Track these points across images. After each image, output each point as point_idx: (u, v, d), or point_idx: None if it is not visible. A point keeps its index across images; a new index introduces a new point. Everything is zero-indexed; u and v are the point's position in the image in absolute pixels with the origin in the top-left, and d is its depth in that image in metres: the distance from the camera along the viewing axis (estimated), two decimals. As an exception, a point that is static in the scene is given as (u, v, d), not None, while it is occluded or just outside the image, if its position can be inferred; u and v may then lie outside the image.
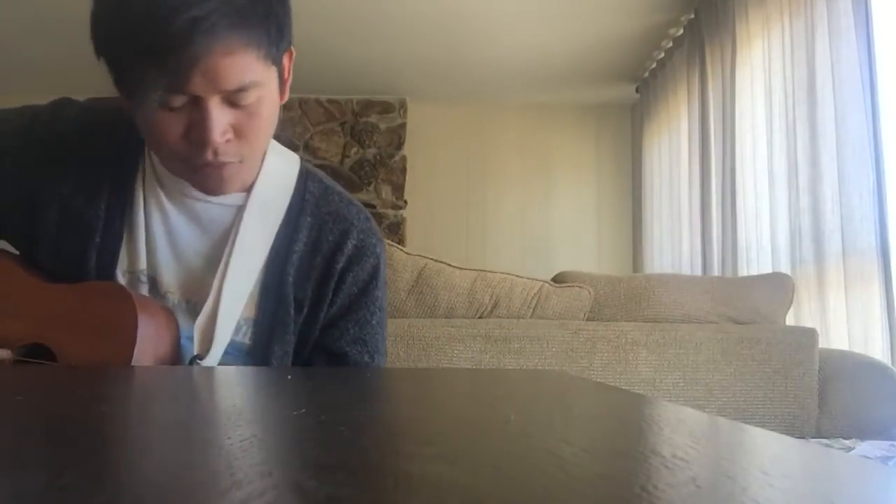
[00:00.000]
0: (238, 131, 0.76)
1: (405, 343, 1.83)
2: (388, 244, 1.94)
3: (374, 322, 0.95)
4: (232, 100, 0.74)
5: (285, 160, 0.96)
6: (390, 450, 0.27)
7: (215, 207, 0.87)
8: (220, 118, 0.73)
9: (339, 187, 0.99)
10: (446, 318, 1.90)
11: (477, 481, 0.21)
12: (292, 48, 0.84)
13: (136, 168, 0.87)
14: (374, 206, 4.99)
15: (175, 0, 0.67)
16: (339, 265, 0.91)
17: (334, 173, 4.98)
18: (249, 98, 0.75)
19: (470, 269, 1.94)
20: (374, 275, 0.95)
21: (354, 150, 5.04)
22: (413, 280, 1.89)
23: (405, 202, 5.03)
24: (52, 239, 0.85)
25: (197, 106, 0.73)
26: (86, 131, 0.88)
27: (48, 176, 0.86)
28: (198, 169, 0.78)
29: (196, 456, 0.24)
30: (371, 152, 5.05)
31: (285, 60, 0.83)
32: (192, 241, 0.87)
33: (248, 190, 0.88)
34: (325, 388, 0.51)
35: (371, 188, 5.01)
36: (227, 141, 0.76)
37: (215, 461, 0.24)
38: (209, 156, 0.75)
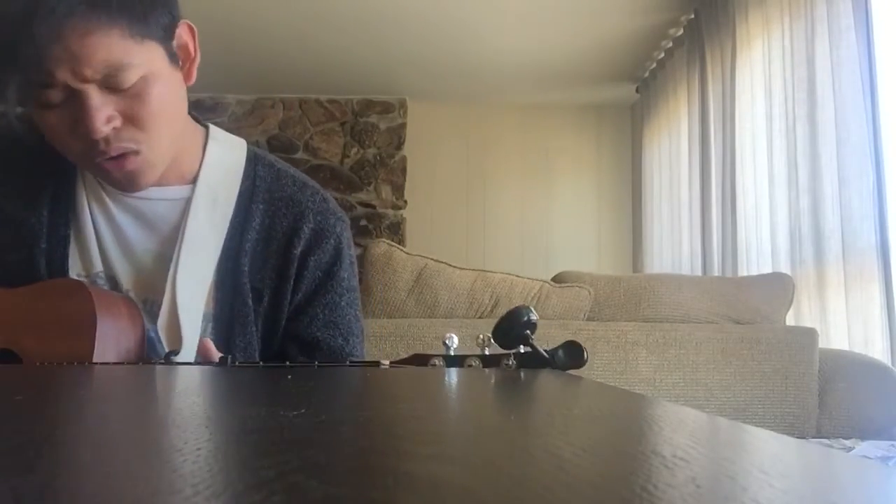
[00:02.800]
0: (128, 117, 0.73)
1: (405, 343, 1.83)
2: (388, 244, 1.94)
3: (342, 304, 0.92)
4: (110, 84, 0.70)
5: (230, 146, 0.92)
6: (390, 450, 0.27)
7: (160, 203, 0.85)
8: (100, 106, 0.70)
9: (292, 170, 0.95)
10: (446, 318, 1.90)
11: (477, 481, 0.21)
12: (189, 23, 0.80)
13: (74, 170, 0.85)
14: (374, 206, 4.99)
15: None
16: (298, 250, 0.89)
17: (334, 173, 4.98)
18: (128, 79, 0.71)
19: (470, 269, 1.94)
20: (337, 256, 0.92)
21: (354, 150, 5.04)
22: (413, 280, 1.89)
23: (405, 202, 5.03)
24: None
25: (75, 98, 0.70)
26: (16, 138, 0.85)
27: None
28: (99, 165, 0.75)
29: (193, 455, 0.24)
30: (371, 152, 5.05)
31: (184, 37, 0.79)
32: (141, 239, 0.85)
33: (193, 181, 0.86)
34: (325, 388, 0.51)
35: (371, 188, 5.01)
36: (116, 129, 0.72)
37: (213, 461, 0.24)
38: (102, 147, 0.72)
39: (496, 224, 5.17)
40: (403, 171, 5.05)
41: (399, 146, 5.06)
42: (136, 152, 0.76)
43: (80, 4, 0.66)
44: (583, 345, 0.62)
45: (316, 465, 0.23)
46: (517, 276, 1.99)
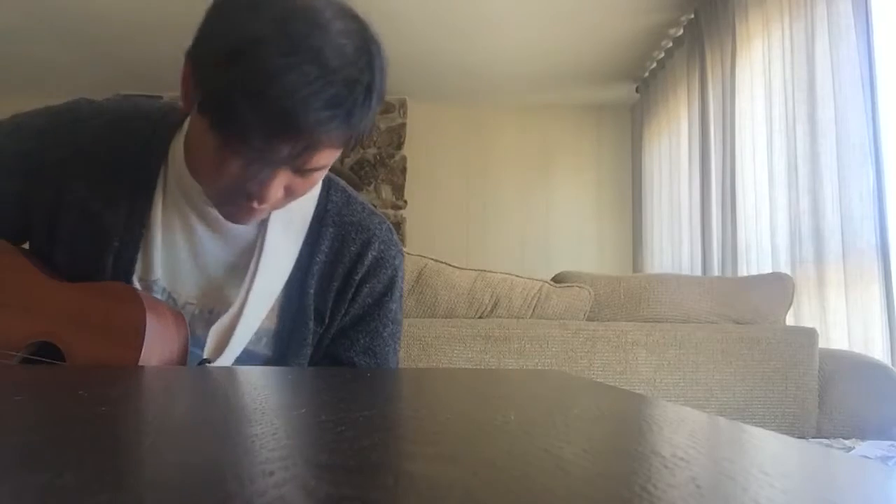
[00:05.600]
0: (290, 191, 0.75)
1: (405, 343, 1.83)
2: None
3: (385, 334, 0.93)
4: (301, 171, 0.73)
5: None
6: (390, 450, 0.27)
7: None
8: (280, 183, 0.73)
9: (361, 197, 0.98)
10: (446, 318, 1.90)
11: (477, 481, 0.21)
12: None
13: (156, 173, 0.85)
14: (374, 206, 4.99)
15: (332, 88, 0.65)
16: (359, 276, 0.90)
17: (334, 173, 4.98)
18: (316, 175, 0.75)
19: (470, 269, 1.94)
20: (391, 286, 0.93)
21: (354, 150, 5.04)
22: (413, 280, 1.89)
23: (405, 202, 5.03)
24: (69, 243, 0.84)
25: (265, 163, 0.70)
26: (106, 135, 0.86)
27: (68, 180, 0.84)
28: (236, 206, 0.77)
29: (195, 456, 0.24)
30: (371, 152, 5.05)
31: None
32: (215, 250, 0.85)
33: None
34: (326, 388, 0.51)
35: (371, 188, 5.01)
36: (278, 199, 0.75)
37: (215, 461, 0.24)
38: (255, 205, 0.74)
39: (496, 224, 5.17)
40: (403, 171, 5.05)
41: (399, 146, 5.06)
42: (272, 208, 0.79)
43: (341, 124, 0.68)
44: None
45: (316, 465, 0.23)
46: (517, 276, 1.99)
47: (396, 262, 0.95)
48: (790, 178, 2.65)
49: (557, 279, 2.09)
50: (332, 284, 0.89)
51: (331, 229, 0.90)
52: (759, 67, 2.94)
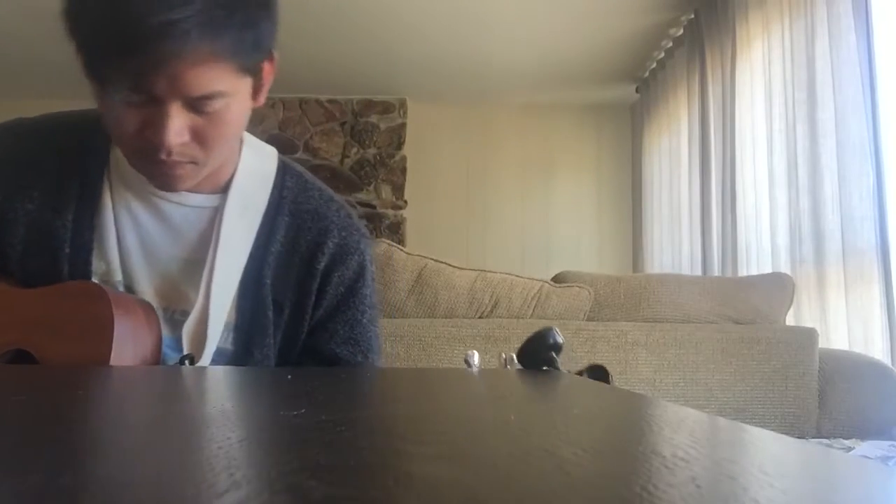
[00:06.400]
0: (197, 136, 0.74)
1: (405, 343, 1.83)
2: (388, 244, 1.94)
3: (364, 321, 0.92)
4: (195, 105, 0.71)
5: (263, 154, 0.92)
6: (390, 450, 0.27)
7: (190, 210, 0.85)
8: (177, 122, 0.71)
9: (319, 182, 0.95)
10: (446, 318, 1.90)
11: (477, 481, 0.21)
12: (274, 53, 0.80)
13: (102, 172, 0.85)
14: (374, 206, 4.99)
15: (153, 0, 0.64)
16: (321, 265, 0.88)
17: (334, 173, 4.98)
18: (214, 106, 0.72)
19: (470, 269, 1.94)
20: (361, 272, 0.92)
21: (354, 150, 5.04)
22: (413, 280, 1.89)
23: (405, 202, 5.03)
24: (21, 255, 0.83)
25: (157, 105, 0.70)
26: (45, 143, 0.86)
27: (10, 193, 0.83)
28: (150, 164, 0.76)
29: (194, 456, 0.24)
30: (371, 152, 5.05)
31: (266, 66, 0.79)
32: (166, 245, 0.84)
33: (225, 190, 0.85)
34: (325, 388, 0.51)
35: (371, 188, 5.01)
36: (183, 143, 0.73)
37: (213, 461, 0.24)
38: (162, 155, 0.73)
39: (496, 224, 5.17)
40: (403, 171, 5.05)
41: (399, 146, 5.06)
42: (192, 165, 0.77)
43: (199, 35, 0.67)
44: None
45: (316, 465, 0.23)
46: (517, 276, 1.99)
47: (362, 247, 0.93)
48: (790, 178, 2.65)
49: (557, 279, 2.09)
50: (290, 273, 0.88)
51: (286, 218, 0.88)
52: (760, 67, 2.94)
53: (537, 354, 0.62)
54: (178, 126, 0.71)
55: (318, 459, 0.24)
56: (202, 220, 0.85)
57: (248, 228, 0.86)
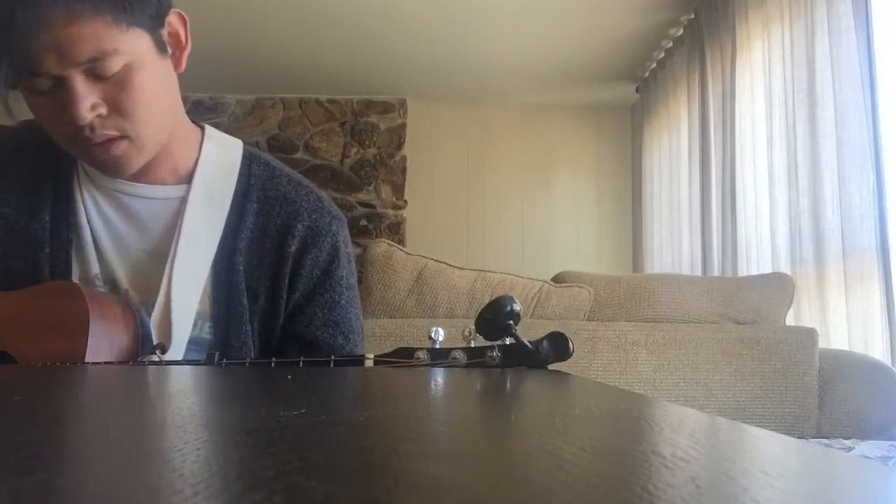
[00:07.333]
0: (112, 104, 0.74)
1: (405, 343, 1.82)
2: (388, 244, 1.94)
3: (342, 302, 0.92)
4: (94, 72, 0.71)
5: (226, 145, 0.93)
6: (390, 450, 0.27)
7: (154, 202, 0.85)
8: (84, 93, 0.71)
9: (287, 169, 0.96)
10: (446, 318, 1.90)
11: (477, 481, 0.21)
12: (180, 12, 0.80)
13: (72, 173, 0.86)
14: (373, 206, 4.99)
15: None
16: (292, 248, 0.89)
17: (334, 173, 4.98)
18: (112, 67, 0.72)
19: (470, 269, 1.94)
20: (335, 254, 0.92)
21: (354, 150, 5.04)
22: (413, 280, 1.89)
23: (405, 202, 5.03)
24: (1, 258, 0.84)
25: (62, 85, 0.71)
26: (16, 150, 0.87)
27: None
28: (86, 149, 0.76)
29: (193, 455, 0.24)
30: (371, 152, 5.05)
31: (174, 25, 0.80)
32: (134, 238, 0.85)
33: (189, 180, 0.86)
34: (325, 388, 0.51)
35: (371, 188, 5.01)
36: (101, 116, 0.73)
37: (213, 461, 0.24)
38: (87, 133, 0.73)
39: (496, 224, 5.17)
40: (403, 171, 5.05)
41: (399, 146, 5.06)
42: (122, 138, 0.76)
43: None
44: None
45: (316, 465, 0.23)
46: (517, 276, 1.99)
47: (334, 228, 0.93)
48: (790, 178, 2.65)
49: (557, 279, 2.09)
50: (262, 260, 0.88)
51: (255, 205, 0.89)
52: (760, 67, 2.94)
53: (494, 323, 0.61)
54: (84, 95, 0.71)
55: (318, 459, 0.24)
56: (168, 212, 0.86)
57: (215, 218, 0.86)
